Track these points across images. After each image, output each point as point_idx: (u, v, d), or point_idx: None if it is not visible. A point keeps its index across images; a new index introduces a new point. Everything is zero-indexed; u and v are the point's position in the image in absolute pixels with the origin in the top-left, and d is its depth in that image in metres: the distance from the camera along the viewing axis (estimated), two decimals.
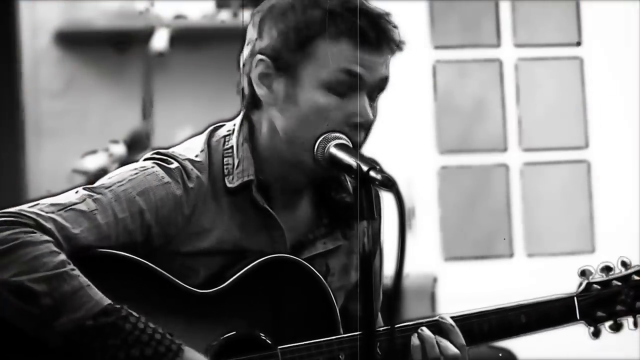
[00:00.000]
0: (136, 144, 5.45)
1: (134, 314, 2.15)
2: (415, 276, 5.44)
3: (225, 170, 2.35)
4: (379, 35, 2.30)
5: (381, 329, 2.26)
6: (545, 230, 6.02)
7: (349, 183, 2.44)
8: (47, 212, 2.18)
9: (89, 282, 2.14)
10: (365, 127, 2.31)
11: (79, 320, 2.11)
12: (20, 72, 5.84)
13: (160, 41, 5.61)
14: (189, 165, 2.32)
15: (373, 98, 2.34)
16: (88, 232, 2.20)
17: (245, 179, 2.34)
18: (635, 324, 2.57)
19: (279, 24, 2.32)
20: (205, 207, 2.32)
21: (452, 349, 2.35)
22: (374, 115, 2.35)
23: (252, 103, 2.38)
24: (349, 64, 2.29)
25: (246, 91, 2.38)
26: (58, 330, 2.11)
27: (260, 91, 2.35)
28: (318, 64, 2.30)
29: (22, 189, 5.78)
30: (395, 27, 2.34)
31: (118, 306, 2.14)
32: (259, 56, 2.34)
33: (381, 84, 2.34)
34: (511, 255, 5.99)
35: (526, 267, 5.88)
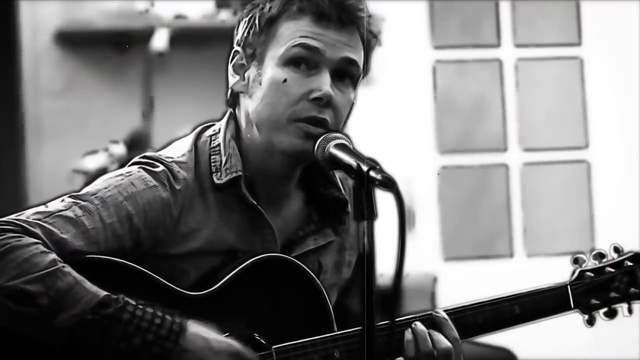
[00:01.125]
0: (136, 144, 5.44)
1: (131, 301, 2.14)
2: (415, 276, 5.44)
3: (212, 168, 2.35)
4: (341, 15, 2.31)
5: (380, 324, 2.25)
6: (545, 230, 6.02)
7: (337, 178, 2.45)
8: (33, 220, 2.17)
9: (83, 277, 2.13)
10: (325, 102, 2.29)
11: (78, 316, 2.10)
12: (20, 72, 5.84)
13: (160, 41, 5.61)
14: (175, 167, 2.32)
15: (339, 77, 2.33)
16: (76, 237, 2.19)
17: (234, 174, 2.34)
18: (630, 311, 2.54)
19: (249, 14, 2.37)
20: (193, 207, 2.32)
21: (445, 342, 2.35)
22: (349, 102, 2.35)
23: (233, 99, 2.41)
24: (306, 38, 2.30)
25: (229, 90, 2.41)
26: (58, 328, 2.10)
27: (233, 80, 2.38)
28: (279, 44, 2.32)
29: (22, 189, 5.78)
30: (361, 11, 2.34)
31: (115, 296, 2.13)
32: (234, 48, 2.39)
33: (346, 66, 2.33)
34: (511, 255, 5.99)
35: (526, 267, 5.88)
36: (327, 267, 2.47)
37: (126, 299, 2.14)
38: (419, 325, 2.35)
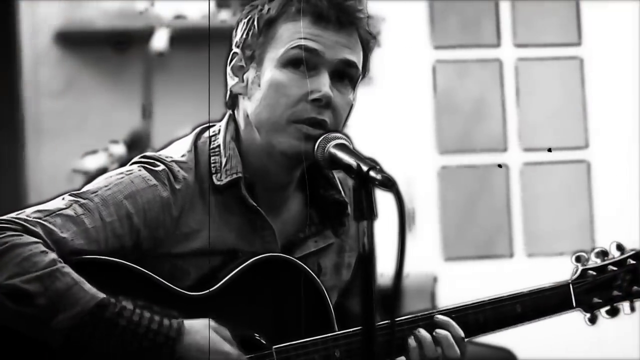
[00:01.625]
0: (136, 144, 5.44)
1: (129, 305, 2.14)
2: (415, 276, 5.44)
3: (212, 169, 2.35)
4: (340, 16, 2.30)
5: (380, 323, 2.25)
6: (545, 230, 6.02)
7: (337, 180, 2.45)
8: (34, 218, 2.17)
9: (82, 279, 2.13)
10: (324, 103, 2.29)
11: (75, 317, 2.10)
12: (20, 72, 5.84)
13: (160, 41, 5.61)
14: (175, 167, 2.32)
15: (338, 78, 2.33)
16: (76, 236, 2.18)
17: (234, 176, 2.33)
18: (632, 309, 2.53)
19: (248, 15, 2.37)
20: (193, 207, 2.31)
21: (454, 349, 2.34)
22: (348, 103, 2.34)
23: (232, 101, 2.41)
24: (305, 40, 2.30)
25: (228, 91, 2.42)
26: (56, 328, 2.10)
27: (232, 82, 2.38)
28: (278, 45, 2.32)
29: (22, 189, 5.78)
30: (360, 12, 2.33)
31: (113, 300, 2.13)
32: (233, 50, 2.39)
33: (345, 67, 2.33)
34: (511, 255, 5.99)
35: (526, 267, 5.88)
36: (326, 269, 2.46)
37: (124, 302, 2.14)
38: (422, 332, 2.35)
